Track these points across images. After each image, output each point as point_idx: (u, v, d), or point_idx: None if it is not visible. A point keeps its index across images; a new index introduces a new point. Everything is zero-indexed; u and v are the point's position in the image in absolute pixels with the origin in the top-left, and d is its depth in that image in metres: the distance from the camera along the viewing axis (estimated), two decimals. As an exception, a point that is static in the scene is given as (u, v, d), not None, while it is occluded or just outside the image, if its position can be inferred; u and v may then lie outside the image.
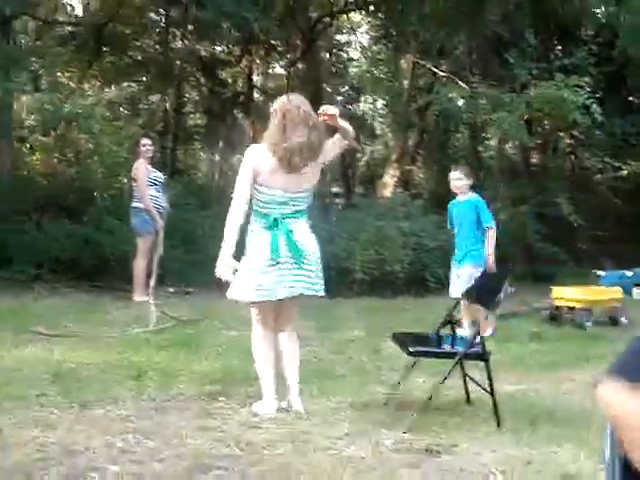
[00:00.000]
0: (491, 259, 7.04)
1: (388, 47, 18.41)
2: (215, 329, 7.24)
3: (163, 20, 16.96)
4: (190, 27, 16.52)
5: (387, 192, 15.65)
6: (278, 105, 4.31)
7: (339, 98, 21.14)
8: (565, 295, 8.45)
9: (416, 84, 16.93)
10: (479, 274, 6.52)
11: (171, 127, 17.03)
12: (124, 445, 3.56)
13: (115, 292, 9.44)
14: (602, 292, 9.08)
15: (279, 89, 19.34)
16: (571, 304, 8.30)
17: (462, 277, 6.94)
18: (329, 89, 19.72)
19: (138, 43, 16.98)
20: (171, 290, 9.69)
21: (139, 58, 17.04)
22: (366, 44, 20.89)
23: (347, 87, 21.15)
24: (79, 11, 17.05)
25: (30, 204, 11.21)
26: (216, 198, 12.61)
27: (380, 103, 22.20)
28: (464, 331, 6.41)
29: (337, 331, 7.44)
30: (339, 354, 6.27)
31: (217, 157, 18.65)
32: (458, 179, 7.34)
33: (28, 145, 13.19)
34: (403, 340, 4.42)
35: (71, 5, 16.53)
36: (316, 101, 16.78)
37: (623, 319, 8.44)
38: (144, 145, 9.08)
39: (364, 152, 22.06)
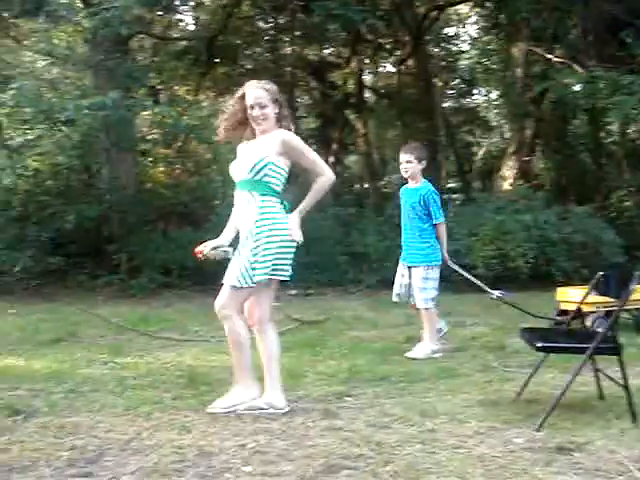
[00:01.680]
0: (447, 257, 6.22)
1: (499, 36, 18.03)
2: (338, 330, 7.30)
3: (272, 27, 17.24)
4: (298, 32, 16.72)
5: (506, 185, 15.32)
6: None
7: (450, 92, 20.88)
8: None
9: (530, 72, 16.47)
10: (431, 275, 6.06)
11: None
12: (256, 446, 3.63)
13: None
14: None
15: (390, 87, 19.33)
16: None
17: (413, 280, 6.09)
18: (440, 83, 19.50)
19: (248, 52, 17.33)
20: (292, 292, 9.85)
21: (250, 67, 17.38)
22: (476, 35, 20.55)
23: (458, 80, 20.83)
24: (191, 26, 17.63)
25: (155, 214, 11.67)
26: (331, 200, 12.71)
27: (494, 94, 21.78)
28: (425, 346, 6.01)
29: (461, 328, 7.34)
30: (464, 351, 6.18)
31: (331, 159, 18.77)
32: (407, 162, 6.16)
33: (151, 158, 13.72)
34: (530, 336, 4.30)
35: (183, 20, 17.13)
36: (428, 96, 16.79)
37: None
38: None
39: (480, 145, 21.68)
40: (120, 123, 10.83)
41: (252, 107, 4.33)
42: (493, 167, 19.05)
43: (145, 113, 13.00)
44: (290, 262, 4.26)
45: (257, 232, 4.16)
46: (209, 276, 10.47)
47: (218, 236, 4.40)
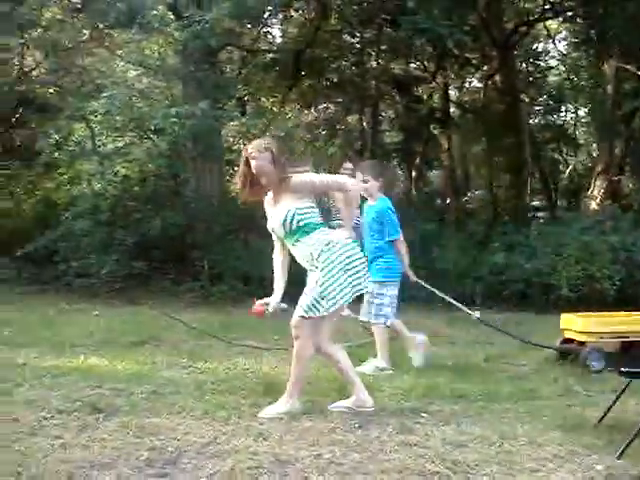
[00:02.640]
0: (409, 273, 6.27)
1: (589, 53, 17.63)
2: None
3: (358, 41, 17.31)
4: (384, 46, 16.74)
5: (593, 205, 14.94)
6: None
7: (538, 108, 20.51)
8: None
9: (621, 90, 16.04)
10: (386, 292, 6.01)
11: (368, 145, 17.31)
12: (331, 457, 3.64)
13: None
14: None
15: (475, 102, 19.14)
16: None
17: (369, 295, 5.93)
18: (527, 99, 19.18)
19: (334, 65, 17.44)
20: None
21: (336, 80, 17.48)
22: (564, 51, 20.16)
23: (546, 96, 20.44)
24: (279, 39, 17.87)
25: (238, 224, 11.83)
26: (413, 214, 12.64)
27: (582, 111, 21.29)
28: (376, 363, 5.96)
29: (542, 350, 7.16)
30: (544, 373, 6.04)
31: (414, 173, 18.70)
32: (364, 181, 6.10)
33: (236, 168, 13.92)
34: (615, 360, 4.18)
35: (271, 33, 17.37)
36: (514, 112, 16.54)
37: None
38: (345, 169, 8.89)
39: (567, 163, 21.22)
40: (207, 133, 11.06)
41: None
42: (580, 186, 18.62)
43: (232, 124, 13.24)
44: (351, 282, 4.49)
45: (321, 261, 4.48)
46: (289, 287, 10.61)
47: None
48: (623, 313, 7.01)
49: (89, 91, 12.21)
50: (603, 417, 4.35)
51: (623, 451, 3.73)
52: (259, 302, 4.74)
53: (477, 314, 6.27)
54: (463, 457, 3.67)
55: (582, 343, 6.31)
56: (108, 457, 3.59)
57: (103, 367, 5.81)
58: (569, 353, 6.43)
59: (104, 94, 10.92)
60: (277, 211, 4.60)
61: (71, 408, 4.47)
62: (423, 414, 4.56)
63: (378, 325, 6.08)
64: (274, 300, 4.74)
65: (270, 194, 4.68)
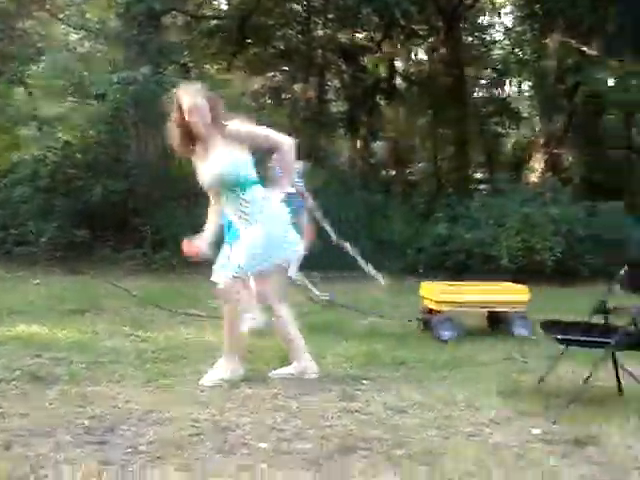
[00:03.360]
0: None
1: (533, 27, 17.82)
2: (358, 314, 7.30)
3: (304, 9, 17.17)
4: (331, 15, 16.64)
5: (534, 178, 15.19)
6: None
7: (482, 82, 20.69)
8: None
9: (563, 64, 16.27)
10: None
11: (314, 115, 17.26)
12: (272, 423, 3.65)
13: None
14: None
15: (421, 74, 19.21)
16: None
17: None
18: (472, 73, 19.32)
19: (280, 33, 17.29)
20: (315, 275, 9.84)
21: (282, 48, 17.34)
22: (510, 25, 20.32)
23: (490, 70, 20.62)
24: (224, 5, 17.60)
25: (180, 191, 11.69)
26: (358, 184, 12.70)
27: (526, 85, 21.54)
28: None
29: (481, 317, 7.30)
30: (482, 340, 6.15)
31: (359, 143, 18.71)
32: None
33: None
34: (552, 328, 4.28)
35: (216, -1, 17.13)
36: (459, 85, 16.65)
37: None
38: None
39: (509, 136, 21.48)
40: (149, 99, 10.86)
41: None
42: (521, 159, 18.89)
43: (175, 90, 13.02)
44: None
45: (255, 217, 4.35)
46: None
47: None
48: (487, 283, 7.15)
49: (29, 55, 11.88)
50: (539, 383, 4.46)
51: (559, 416, 3.83)
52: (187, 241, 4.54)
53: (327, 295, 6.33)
54: (403, 422, 3.72)
55: (431, 311, 6.43)
56: (47, 425, 3.53)
57: (43, 336, 5.72)
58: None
59: (44, 58, 10.65)
60: (211, 162, 4.36)
61: (10, 377, 4.40)
62: (364, 381, 4.61)
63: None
64: (204, 239, 4.52)
65: (200, 147, 4.42)
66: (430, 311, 6.47)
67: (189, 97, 4.34)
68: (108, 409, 3.83)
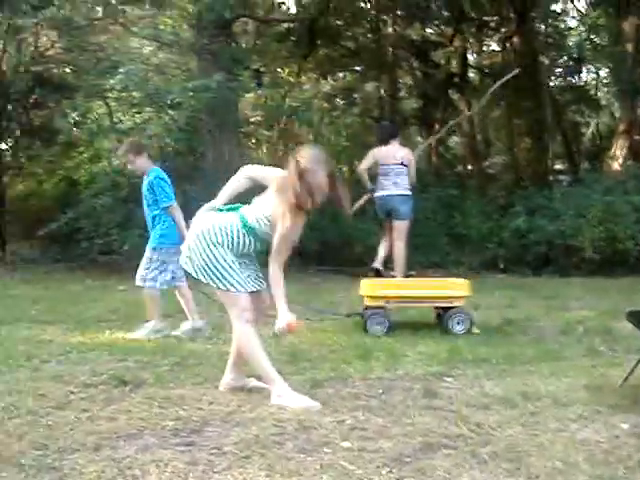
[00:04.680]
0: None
1: (608, 11, 17.31)
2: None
3: (373, 7, 17.12)
4: (400, 12, 16.55)
5: (616, 165, 14.75)
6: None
7: (558, 70, 20.22)
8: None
9: (642, 48, 15.75)
10: (157, 257, 6.18)
11: (387, 113, 17.20)
12: (354, 422, 3.65)
13: (339, 275, 9.73)
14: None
15: (494, 66, 18.91)
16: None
17: (144, 259, 6.32)
18: (547, 61, 18.91)
19: (350, 33, 17.29)
20: (393, 274, 9.80)
21: (352, 48, 17.33)
22: (584, 11, 19.81)
23: (566, 58, 20.14)
24: (293, 8, 17.72)
25: (258, 194, 11.82)
26: (433, 181, 12.58)
27: (603, 72, 20.95)
28: (150, 324, 6.10)
29: (566, 311, 7.16)
30: (568, 335, 6.03)
31: (433, 140, 18.55)
32: (129, 163, 6.57)
33: (254, 139, 13.92)
34: (639, 318, 4.14)
35: (285, 3, 17.24)
36: (533, 74, 16.31)
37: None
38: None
39: (588, 125, 20.95)
40: (223, 105, 11.04)
41: None
42: (602, 147, 18.39)
43: (248, 95, 13.20)
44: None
45: None
46: (311, 257, 10.62)
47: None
48: (429, 279, 7.17)
49: (105, 68, 12.21)
50: (627, 377, 4.32)
51: (649, 410, 3.72)
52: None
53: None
54: (486, 419, 3.67)
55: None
56: (134, 428, 3.62)
57: (129, 341, 5.87)
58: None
59: (120, 70, 10.92)
60: None
61: (97, 382, 4.52)
62: (446, 378, 4.56)
63: (149, 289, 6.27)
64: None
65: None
66: (366, 308, 6.36)
67: (314, 172, 3.96)
68: (193, 411, 3.89)
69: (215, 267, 4.07)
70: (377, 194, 8.81)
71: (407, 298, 6.31)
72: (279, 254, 4.05)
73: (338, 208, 4.21)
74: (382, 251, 8.64)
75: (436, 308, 6.46)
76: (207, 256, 4.07)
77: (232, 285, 4.08)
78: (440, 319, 6.36)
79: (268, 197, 4.14)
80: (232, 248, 4.10)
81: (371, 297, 6.26)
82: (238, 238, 4.10)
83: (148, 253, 6.30)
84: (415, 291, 6.32)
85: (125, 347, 5.58)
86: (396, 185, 8.63)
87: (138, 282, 6.32)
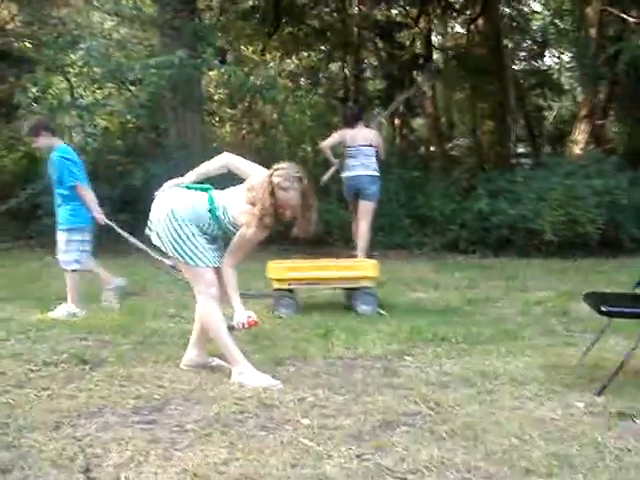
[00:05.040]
0: (99, 217, 6.27)
1: (573, -4, 17.45)
2: (399, 290, 7.31)
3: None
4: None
5: (577, 150, 14.93)
6: None
7: (522, 54, 20.36)
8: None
9: (604, 33, 15.92)
10: (74, 238, 6.15)
11: (352, 93, 17.18)
12: (315, 400, 3.69)
13: (302, 254, 9.76)
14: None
15: (459, 48, 18.97)
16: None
17: (58, 243, 6.23)
18: (511, 45, 19.02)
19: (315, 12, 17.19)
20: (355, 253, 9.85)
21: (317, 27, 17.25)
22: (548, -6, 19.94)
23: (530, 41, 20.27)
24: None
25: (222, 174, 11.77)
26: (397, 162, 12.62)
27: (566, 56, 21.14)
28: (67, 306, 6.09)
29: (525, 292, 7.27)
30: (527, 315, 6.12)
31: (397, 121, 18.59)
32: (34, 145, 6.67)
33: (217, 118, 13.81)
34: (596, 300, 4.22)
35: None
36: (498, 58, 16.39)
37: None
38: None
39: (551, 109, 21.14)
40: (187, 82, 10.92)
41: None
42: (564, 131, 18.59)
43: (212, 73, 13.08)
44: None
45: None
46: (277, 236, 10.61)
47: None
48: (337, 260, 7.03)
49: (66, 43, 11.99)
50: (583, 357, 4.42)
51: (603, 389, 3.80)
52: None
53: (169, 262, 6.32)
54: (445, 397, 3.73)
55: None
56: (95, 406, 3.62)
57: (89, 319, 5.83)
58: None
59: (81, 46, 10.74)
60: None
61: (57, 360, 4.49)
62: (406, 357, 4.62)
63: (72, 272, 6.21)
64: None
65: None
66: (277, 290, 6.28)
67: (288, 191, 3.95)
68: (154, 389, 3.90)
69: (183, 242, 4.06)
70: (346, 174, 8.85)
71: (314, 280, 6.27)
72: (235, 252, 4.09)
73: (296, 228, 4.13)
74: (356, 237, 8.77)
75: (344, 289, 6.40)
76: (175, 231, 4.06)
77: (199, 260, 4.08)
78: (348, 300, 6.35)
79: (239, 194, 4.12)
80: (199, 226, 4.10)
81: (278, 280, 6.20)
82: (204, 219, 4.10)
83: (62, 236, 6.18)
84: (322, 273, 6.28)
85: (86, 325, 5.54)
86: (364, 166, 8.68)
87: (63, 266, 6.23)
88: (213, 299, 4.13)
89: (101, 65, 10.87)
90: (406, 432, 3.25)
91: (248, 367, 4.06)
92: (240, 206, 4.03)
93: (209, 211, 4.09)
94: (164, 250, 4.16)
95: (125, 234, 6.79)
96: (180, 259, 4.11)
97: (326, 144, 9.01)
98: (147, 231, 4.24)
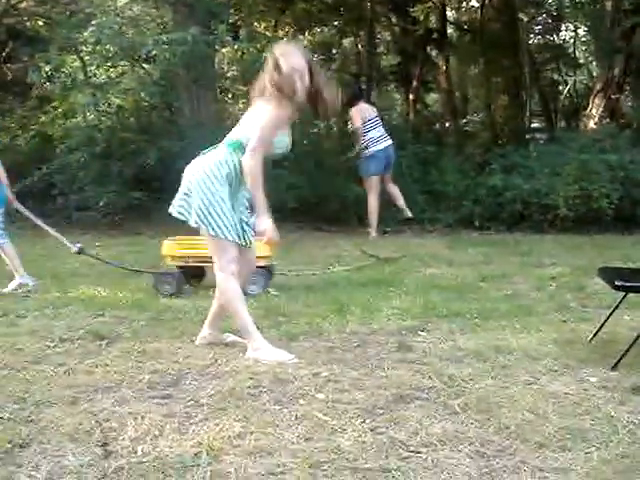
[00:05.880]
0: (11, 198, 6.41)
1: (588, -32, 17.20)
2: (413, 267, 7.31)
3: (353, -39, 16.87)
4: (379, -35, 16.34)
5: (592, 124, 14.79)
6: None
7: (537, 27, 20.13)
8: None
9: (621, 5, 15.69)
10: None
11: (365, 69, 17.08)
12: (329, 375, 3.70)
13: (317, 232, 9.78)
14: None
15: (473, 22, 18.78)
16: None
17: None
18: (526, 18, 18.81)
19: (328, -14, 17.04)
20: (369, 230, 9.86)
21: (330, 2, 17.11)
22: (564, -33, 19.66)
23: (545, 15, 20.03)
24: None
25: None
26: (411, 138, 12.57)
27: (582, 30, 20.88)
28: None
29: (540, 268, 7.24)
30: (541, 291, 6.10)
31: (411, 96, 18.46)
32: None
33: (231, 95, 13.76)
34: (610, 275, 4.21)
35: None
36: (512, 32, 16.22)
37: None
38: None
39: (566, 83, 20.93)
40: (200, 59, 10.88)
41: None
42: (579, 106, 18.41)
43: (225, 50, 13.02)
44: None
45: None
46: (289, 214, 10.63)
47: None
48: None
49: (79, 21, 11.97)
50: (597, 332, 4.41)
51: (617, 364, 3.80)
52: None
53: (77, 246, 6.31)
54: (459, 372, 3.74)
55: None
56: (111, 381, 3.66)
57: (105, 296, 5.88)
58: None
59: (93, 22, 10.72)
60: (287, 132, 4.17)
61: (74, 336, 4.55)
62: (420, 332, 4.63)
63: (6, 245, 6.35)
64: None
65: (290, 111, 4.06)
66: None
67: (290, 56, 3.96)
68: (169, 364, 3.93)
69: (213, 208, 4.01)
70: (376, 147, 8.97)
71: (206, 257, 6.20)
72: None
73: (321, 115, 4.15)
74: (399, 200, 8.83)
75: None
76: (206, 193, 4.02)
77: (227, 232, 4.04)
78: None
79: (248, 116, 4.14)
80: (230, 182, 4.05)
81: (172, 257, 6.17)
82: (231, 169, 4.05)
83: None
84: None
85: (102, 302, 5.59)
86: (389, 136, 8.88)
87: None
88: (232, 275, 4.11)
89: (113, 43, 10.85)
90: (419, 406, 3.27)
91: (264, 343, 4.08)
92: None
93: (233, 151, 4.05)
94: (189, 221, 4.11)
95: (32, 217, 6.81)
96: (205, 227, 4.05)
97: (360, 123, 9.09)
98: (171, 208, 4.22)
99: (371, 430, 2.99)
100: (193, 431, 3.00)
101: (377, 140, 9.03)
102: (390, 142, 9.32)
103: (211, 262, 4.35)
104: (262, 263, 5.96)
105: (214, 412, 3.21)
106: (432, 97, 20.86)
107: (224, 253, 4.09)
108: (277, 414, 3.18)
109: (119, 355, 4.12)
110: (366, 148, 9.15)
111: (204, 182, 4.03)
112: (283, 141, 4.13)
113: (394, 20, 18.32)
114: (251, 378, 3.65)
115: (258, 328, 4.20)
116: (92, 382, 3.64)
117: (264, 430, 2.98)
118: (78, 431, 3.00)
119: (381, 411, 3.20)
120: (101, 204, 10.78)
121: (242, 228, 4.16)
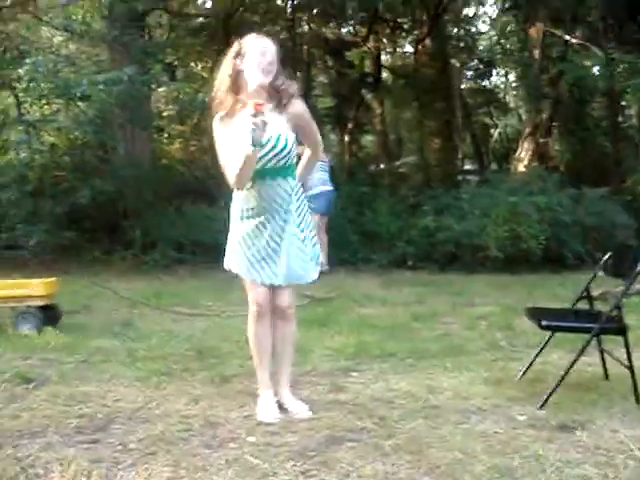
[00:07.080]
0: None
1: (517, 17, 17.87)
2: (347, 306, 7.34)
3: (289, 5, 17.17)
4: (315, 10, 16.64)
5: (521, 167, 15.24)
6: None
7: (469, 73, 20.75)
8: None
9: (548, 53, 16.33)
10: None
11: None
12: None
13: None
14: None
15: (407, 67, 19.25)
16: None
17: None
18: (458, 64, 19.37)
19: (265, 30, 17.24)
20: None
21: (267, 45, 17.29)
22: (494, 16, 20.39)
23: (477, 61, 20.68)
24: (208, 3, 17.59)
25: (170, 191, 11.72)
26: (346, 179, 12.73)
27: (512, 76, 21.61)
28: None
29: (471, 307, 7.36)
30: (472, 330, 6.20)
31: (347, 138, 18.74)
32: None
33: (166, 134, 13.74)
34: (537, 314, 4.31)
35: (200, -3, 17.11)
36: (445, 77, 16.68)
37: None
38: None
39: (497, 127, 21.56)
40: (135, 99, 10.85)
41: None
42: (509, 149, 18.96)
43: (161, 89, 13.02)
44: None
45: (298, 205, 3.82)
46: (223, 254, 10.59)
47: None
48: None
49: (13, 58, 11.83)
50: (526, 371, 4.50)
51: (545, 402, 3.87)
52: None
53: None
54: (390, 413, 3.76)
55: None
56: (37, 426, 3.56)
57: (33, 338, 5.73)
58: None
59: (28, 60, 10.60)
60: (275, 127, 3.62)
61: (0, 380, 4.41)
62: (353, 373, 4.65)
63: None
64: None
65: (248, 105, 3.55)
66: None
67: (258, 45, 3.71)
68: (98, 408, 3.85)
69: (229, 244, 3.84)
70: (323, 189, 9.08)
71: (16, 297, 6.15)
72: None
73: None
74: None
75: (12, 308, 6.21)
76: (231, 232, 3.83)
77: (248, 272, 3.74)
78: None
79: None
80: (246, 215, 3.75)
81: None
82: (240, 202, 3.81)
83: None
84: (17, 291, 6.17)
85: (29, 345, 5.45)
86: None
87: None
88: (254, 317, 3.83)
89: (48, 81, 10.74)
90: (351, 448, 3.27)
91: (266, 397, 3.85)
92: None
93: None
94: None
95: None
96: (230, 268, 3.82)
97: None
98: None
99: (302, 473, 2.98)
100: (121, 477, 2.94)
101: (322, 182, 9.16)
102: (330, 187, 9.55)
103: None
104: (36, 302, 6.03)
105: (143, 457, 3.16)
106: (367, 139, 21.20)
107: (247, 291, 3.83)
108: (207, 458, 3.14)
109: (46, 399, 4.02)
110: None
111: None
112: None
113: (330, 63, 18.62)
114: (181, 422, 3.61)
115: (188, 370, 4.14)
116: (18, 427, 3.55)
117: (194, 475, 2.95)
118: (2, 477, 2.91)
119: (313, 453, 3.20)
120: (31, 243, 10.57)
121: (261, 266, 3.74)
